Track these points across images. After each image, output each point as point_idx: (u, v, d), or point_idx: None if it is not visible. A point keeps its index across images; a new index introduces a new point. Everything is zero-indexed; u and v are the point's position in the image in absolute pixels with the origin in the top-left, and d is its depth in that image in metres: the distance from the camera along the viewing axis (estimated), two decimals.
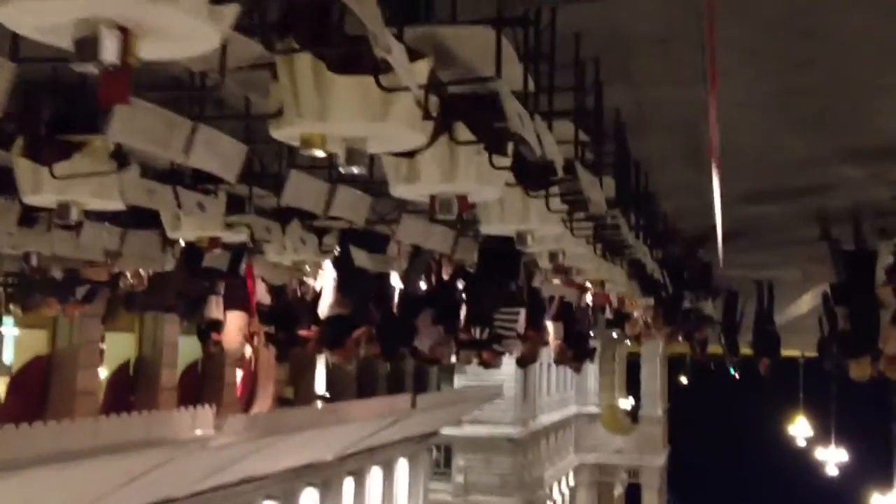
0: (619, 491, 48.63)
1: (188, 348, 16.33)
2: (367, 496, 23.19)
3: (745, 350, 16.66)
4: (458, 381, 31.87)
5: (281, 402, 18.54)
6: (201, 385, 16.51)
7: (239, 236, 6.09)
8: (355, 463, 22.21)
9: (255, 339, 12.68)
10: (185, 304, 13.82)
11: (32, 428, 9.64)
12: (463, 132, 4.03)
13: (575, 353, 11.52)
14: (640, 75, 5.55)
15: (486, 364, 9.93)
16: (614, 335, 16.85)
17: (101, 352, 14.98)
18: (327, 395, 20.74)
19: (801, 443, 37.76)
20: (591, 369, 47.86)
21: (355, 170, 3.34)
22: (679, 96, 5.79)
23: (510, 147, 4.28)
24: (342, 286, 7.87)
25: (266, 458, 16.25)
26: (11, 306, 11.77)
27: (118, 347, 14.89)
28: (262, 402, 18.17)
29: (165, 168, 5.56)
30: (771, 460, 54.77)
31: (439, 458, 37.49)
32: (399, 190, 4.32)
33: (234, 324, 12.75)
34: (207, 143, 4.36)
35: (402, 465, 26.00)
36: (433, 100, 3.45)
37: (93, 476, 10.69)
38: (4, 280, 11.15)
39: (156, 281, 12.32)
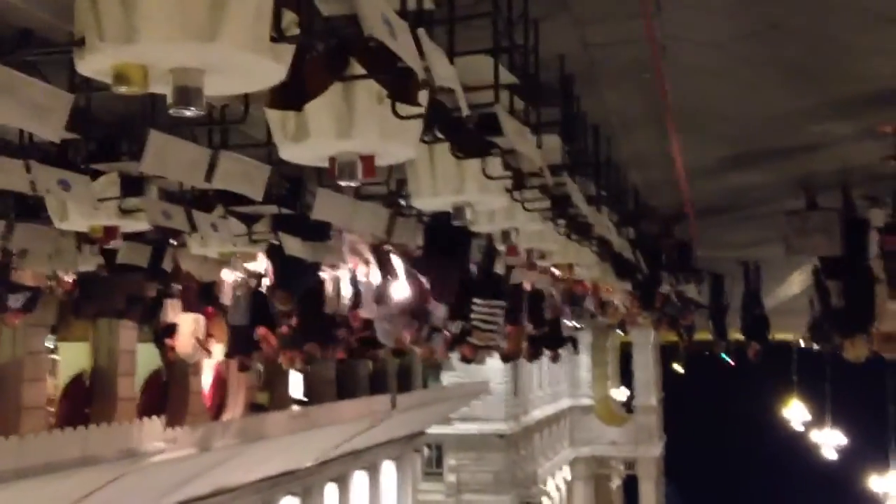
0: (616, 483, 48.31)
1: (152, 356, 15.54)
2: (351, 501, 22.39)
3: (736, 334, 15.94)
4: (446, 378, 31.14)
5: (254, 408, 17.73)
6: (165, 394, 15.69)
7: (139, 225, 5.30)
8: (338, 468, 21.43)
9: (210, 342, 11.97)
10: (140, 309, 13.05)
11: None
12: (357, 72, 3.25)
13: (549, 342, 10.75)
14: (584, 13, 4.72)
15: (466, 359, 9.20)
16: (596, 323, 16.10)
17: (55, 363, 14.16)
18: (304, 398, 19.93)
19: (798, 427, 37.13)
20: (584, 360, 47.41)
21: None
22: (630, 34, 4.94)
23: (424, 96, 3.50)
24: (279, 280, 7.09)
25: (237, 468, 15.50)
26: None
27: (73, 358, 14.07)
28: (234, 410, 17.36)
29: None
30: (768, 446, 54.23)
31: (431, 457, 36.87)
32: (288, 152, 3.54)
33: (187, 327, 12.02)
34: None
35: (388, 468, 25.22)
36: (290, 16, 2.66)
37: (36, 496, 9.91)
38: None
39: (102, 285, 11.56)
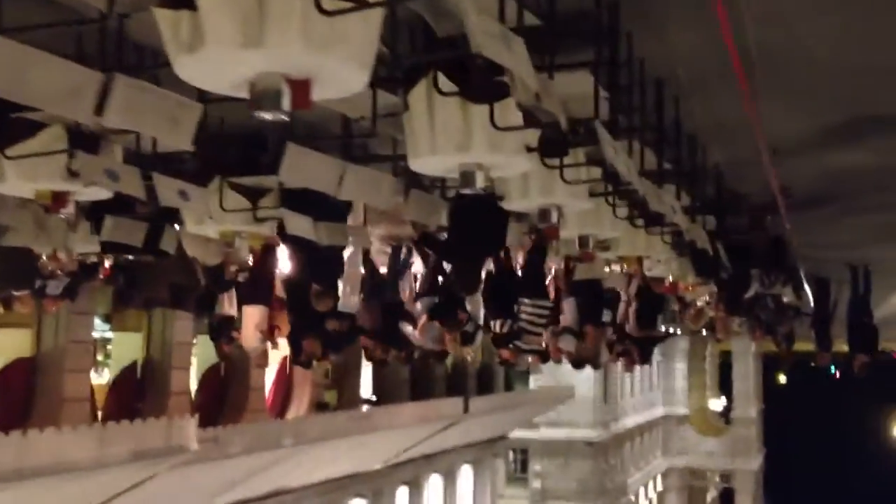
0: (711, 495, 46.80)
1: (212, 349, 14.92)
2: None
3: (841, 345, 14.40)
4: (534, 381, 30.02)
5: (319, 407, 16.96)
6: (223, 390, 15.03)
7: (99, 194, 4.45)
8: (410, 471, 20.56)
9: (277, 334, 11.16)
10: (188, 299, 12.37)
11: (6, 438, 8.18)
12: None
13: (625, 350, 9.56)
14: None
15: (505, 363, 8.16)
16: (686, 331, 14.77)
17: (106, 353, 13.64)
18: (374, 398, 19.10)
19: None
20: (679, 368, 45.99)
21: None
22: None
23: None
24: (311, 272, 6.19)
25: (294, 469, 14.73)
26: None
27: (127, 348, 13.50)
28: (298, 408, 16.62)
29: None
30: (873, 464, 51.50)
31: (516, 462, 35.85)
32: (182, 68, 2.58)
33: (251, 319, 11.24)
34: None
35: (466, 473, 24.23)
36: None
37: (70, 492, 9.24)
38: None
39: (147, 272, 10.89)
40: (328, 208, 5.92)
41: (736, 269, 8.46)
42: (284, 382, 16.65)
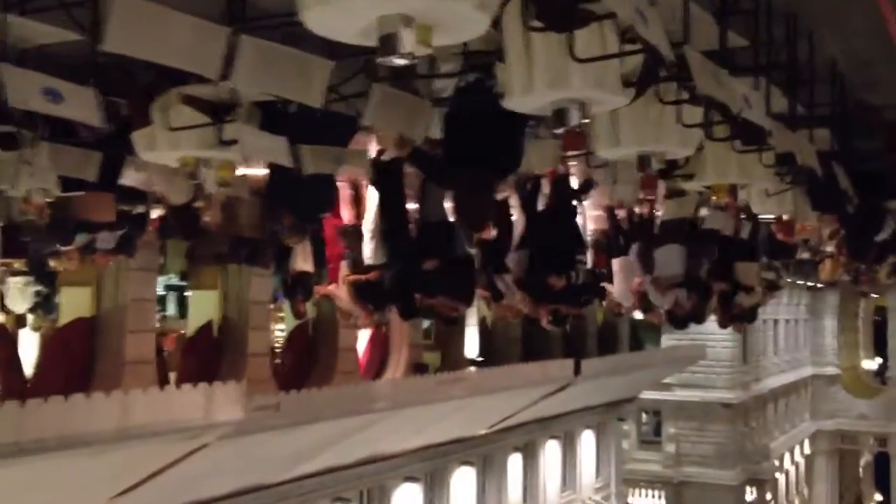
0: (865, 460, 44.10)
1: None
2: (540, 473, 20.29)
3: None
4: (666, 340, 28.31)
5: (418, 368, 15.91)
6: (313, 350, 14.15)
7: None
8: (523, 436, 19.37)
9: None
10: (248, 253, 11.46)
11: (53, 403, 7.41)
12: None
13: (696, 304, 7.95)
14: None
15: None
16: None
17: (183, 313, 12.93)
18: (480, 359, 17.94)
19: None
20: (829, 326, 43.38)
21: None
22: None
23: None
24: (277, 198, 4.98)
25: (389, 435, 13.78)
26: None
27: (204, 307, 12.74)
28: (394, 370, 15.64)
29: None
30: None
31: (650, 424, 34.27)
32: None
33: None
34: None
35: (587, 437, 22.86)
36: None
37: (115, 462, 8.48)
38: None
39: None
40: (316, 130, 4.73)
41: (864, 202, 6.81)
42: (380, 343, 15.69)
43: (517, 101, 3.53)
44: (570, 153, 4.90)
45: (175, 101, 4.33)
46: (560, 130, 3.43)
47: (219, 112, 4.43)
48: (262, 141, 4.31)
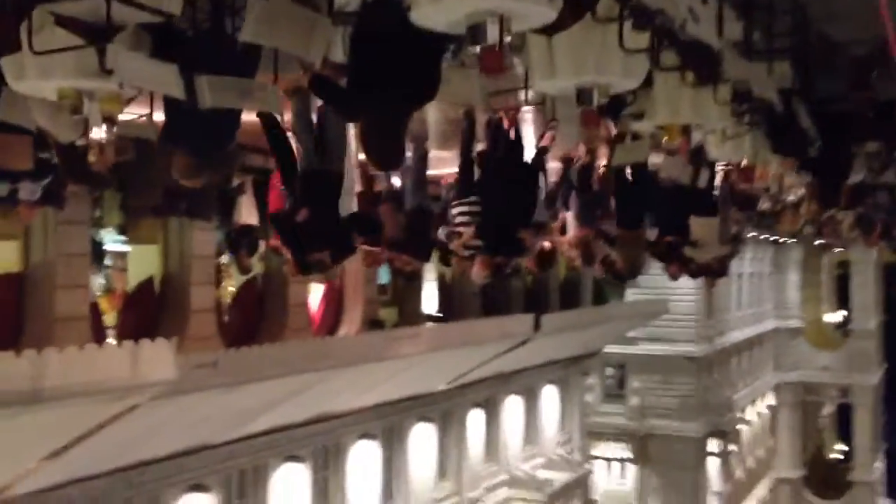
0: (828, 409, 44.56)
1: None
2: (500, 429, 20.00)
3: None
4: (631, 294, 28.04)
5: (373, 325, 15.46)
6: (262, 306, 13.64)
7: None
8: (483, 392, 19.04)
9: None
10: (185, 205, 10.92)
11: None
12: None
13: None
14: None
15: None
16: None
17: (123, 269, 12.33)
18: (439, 315, 17.51)
19: None
20: (792, 279, 43.53)
21: None
22: None
23: None
24: (174, 135, 4.42)
25: (341, 393, 13.36)
26: None
27: (143, 262, 12.17)
28: (348, 326, 15.17)
29: None
30: None
31: (613, 378, 34.20)
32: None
33: None
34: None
35: (549, 392, 22.60)
36: None
37: (38, 423, 7.98)
38: None
39: (137, 173, 9.41)
40: (220, 59, 4.18)
41: (831, 145, 6.35)
42: (334, 299, 15.20)
43: (425, 13, 3.20)
44: (490, 75, 4.39)
45: (47, 21, 3.76)
46: (476, 49, 2.93)
47: (98, 35, 3.85)
48: (148, 68, 3.75)
